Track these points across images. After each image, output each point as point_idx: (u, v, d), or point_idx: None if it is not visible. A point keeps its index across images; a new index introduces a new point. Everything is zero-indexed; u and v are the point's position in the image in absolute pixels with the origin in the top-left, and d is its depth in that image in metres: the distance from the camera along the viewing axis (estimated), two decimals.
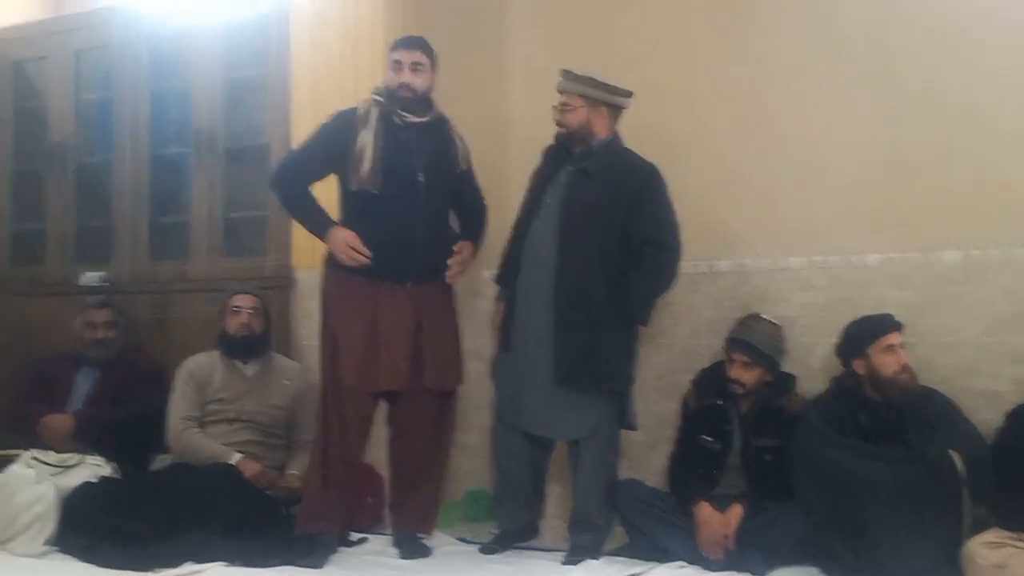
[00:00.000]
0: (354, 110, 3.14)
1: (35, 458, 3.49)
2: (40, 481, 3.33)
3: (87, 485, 3.38)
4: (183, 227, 4.35)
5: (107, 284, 4.37)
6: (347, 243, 3.06)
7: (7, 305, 4.60)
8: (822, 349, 3.32)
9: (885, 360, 2.99)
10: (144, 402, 3.85)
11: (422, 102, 3.15)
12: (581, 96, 3.17)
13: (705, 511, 3.03)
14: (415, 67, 3.12)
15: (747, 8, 3.60)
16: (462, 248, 3.25)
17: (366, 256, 3.05)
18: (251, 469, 3.48)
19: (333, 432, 3.12)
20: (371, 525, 3.51)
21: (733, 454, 3.17)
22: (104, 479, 3.45)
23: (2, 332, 4.59)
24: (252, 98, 4.26)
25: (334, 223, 3.14)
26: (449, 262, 3.20)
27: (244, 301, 3.73)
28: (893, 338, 3.01)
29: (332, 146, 3.13)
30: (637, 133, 3.32)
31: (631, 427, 3.26)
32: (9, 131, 4.81)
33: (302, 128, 3.92)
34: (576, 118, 3.19)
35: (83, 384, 3.92)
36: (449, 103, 3.31)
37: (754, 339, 3.17)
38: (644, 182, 3.15)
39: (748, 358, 3.15)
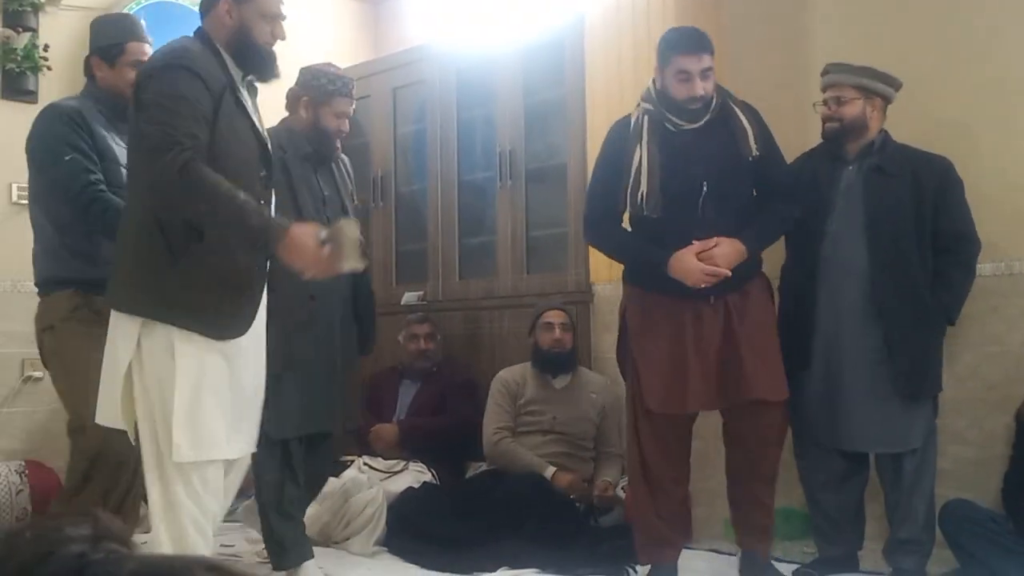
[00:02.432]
0: (626, 121, 2.90)
1: (367, 464, 3.81)
2: (371, 485, 3.62)
3: (410, 490, 3.64)
4: (489, 247, 4.58)
5: (424, 303, 4.69)
6: (700, 270, 2.72)
7: None
8: None
9: None
10: (459, 413, 4.09)
11: (709, 106, 2.83)
12: (856, 88, 3.00)
13: None
14: (705, 74, 2.76)
15: None
16: (718, 244, 2.75)
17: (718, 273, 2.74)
18: (565, 480, 3.59)
19: (651, 458, 2.90)
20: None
21: None
22: (425, 485, 3.70)
23: None
24: (550, 120, 4.41)
25: (670, 253, 2.78)
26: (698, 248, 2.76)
27: (555, 317, 3.85)
28: None
29: (616, 166, 2.88)
30: (944, 129, 3.09)
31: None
32: None
33: (598, 146, 4.01)
34: (852, 110, 3.02)
35: (405, 396, 4.23)
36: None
37: None
38: (944, 176, 2.99)
39: None
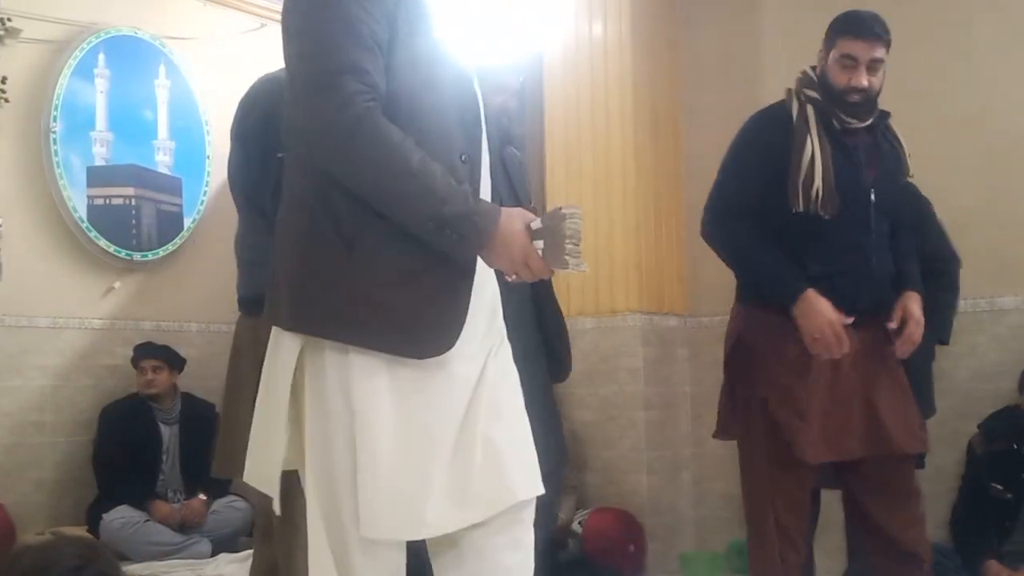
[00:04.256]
0: (781, 108, 2.48)
1: None
2: None
3: None
4: None
5: None
6: (831, 323, 2.29)
7: None
8: None
9: None
10: None
11: (872, 105, 2.45)
12: None
13: (993, 569, 2.79)
14: (873, 66, 2.39)
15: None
16: (909, 304, 2.41)
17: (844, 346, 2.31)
18: None
19: (785, 515, 2.40)
20: (633, 573, 3.52)
21: None
22: None
23: None
24: None
25: (807, 287, 2.33)
26: (895, 326, 2.40)
27: None
28: None
29: (765, 157, 2.44)
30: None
31: None
32: None
33: (556, 182, 4.10)
34: None
35: None
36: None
37: None
38: (915, 201, 3.03)
39: None
